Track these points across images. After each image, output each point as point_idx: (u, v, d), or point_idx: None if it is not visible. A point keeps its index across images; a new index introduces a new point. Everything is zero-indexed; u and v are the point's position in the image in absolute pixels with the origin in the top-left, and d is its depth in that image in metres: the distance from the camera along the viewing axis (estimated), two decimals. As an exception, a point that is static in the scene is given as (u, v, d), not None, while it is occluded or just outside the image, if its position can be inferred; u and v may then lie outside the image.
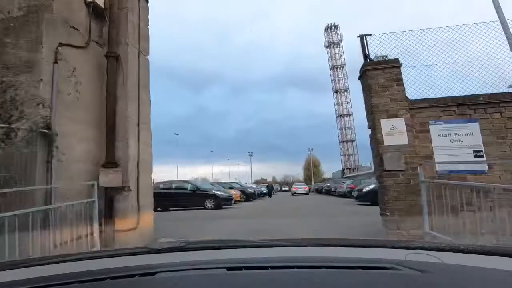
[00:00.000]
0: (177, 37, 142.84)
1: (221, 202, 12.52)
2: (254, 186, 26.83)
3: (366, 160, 79.12)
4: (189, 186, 12.58)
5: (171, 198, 12.14)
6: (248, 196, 19.52)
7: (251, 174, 64.88)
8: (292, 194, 31.40)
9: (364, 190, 11.71)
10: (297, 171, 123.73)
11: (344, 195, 21.16)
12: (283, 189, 48.88)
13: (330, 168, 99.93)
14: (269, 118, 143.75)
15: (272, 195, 25.65)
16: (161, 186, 12.86)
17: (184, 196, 12.18)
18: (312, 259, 0.85)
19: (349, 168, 79.20)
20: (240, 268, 0.74)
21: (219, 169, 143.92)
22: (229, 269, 0.73)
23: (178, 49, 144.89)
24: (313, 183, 58.72)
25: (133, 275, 0.71)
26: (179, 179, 17.58)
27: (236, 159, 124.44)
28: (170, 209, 12.02)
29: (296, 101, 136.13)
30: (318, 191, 33.50)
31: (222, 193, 12.81)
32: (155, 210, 5.87)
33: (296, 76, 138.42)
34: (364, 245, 1.09)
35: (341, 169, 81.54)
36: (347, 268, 0.75)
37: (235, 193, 17.45)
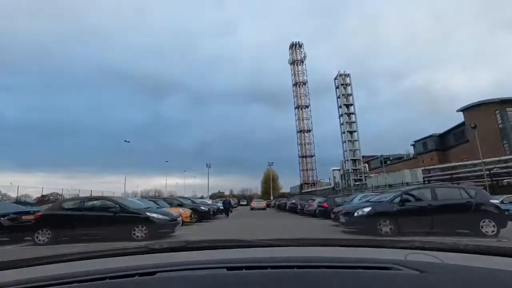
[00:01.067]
0: (140, 43, 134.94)
1: (159, 230, 8.44)
2: (209, 202, 22.45)
3: (324, 175, 79.47)
4: (109, 206, 8.30)
5: (81, 223, 7.86)
6: (201, 216, 15.55)
7: (208, 187, 60.26)
8: (251, 209, 33.07)
9: (357, 213, 8.59)
10: (255, 184, 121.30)
11: (314, 214, 18.21)
12: (241, 203, 44.69)
13: (287, 182, 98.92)
14: (230, 131, 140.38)
15: (230, 213, 21.59)
16: (66, 205, 8.43)
17: (102, 220, 7.93)
18: (312, 259, 0.83)
19: (308, 183, 78.34)
20: (240, 268, 0.73)
21: (174, 182, 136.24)
22: (229, 269, 0.73)
23: (140, 54, 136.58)
24: (271, 198, 55.84)
25: (133, 275, 0.70)
26: (103, 194, 13.05)
27: (194, 171, 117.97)
28: (82, 238, 7.86)
29: (258, 116, 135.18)
30: (281, 207, 30.20)
31: (159, 216, 8.69)
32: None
33: (259, 91, 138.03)
34: (364, 245, 1.08)
35: (300, 184, 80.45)
36: (347, 268, 0.74)
37: (184, 213, 13.41)
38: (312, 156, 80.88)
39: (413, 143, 53.53)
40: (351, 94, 51.28)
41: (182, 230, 10.93)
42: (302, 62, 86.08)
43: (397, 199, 8.45)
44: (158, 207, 10.95)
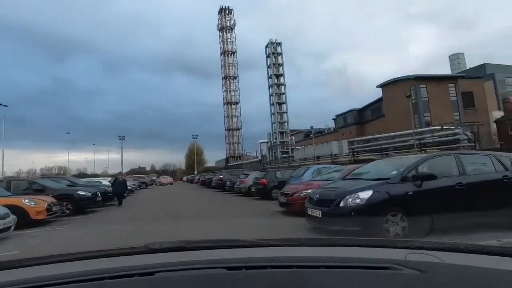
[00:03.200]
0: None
1: None
2: (104, 182, 15.58)
3: (250, 149, 77.54)
4: None
5: None
6: (80, 205, 9.71)
7: (122, 162, 51.03)
8: (160, 184, 34.75)
9: (349, 203, 4.52)
10: (179, 159, 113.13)
11: (247, 193, 14.20)
12: (163, 182, 36.97)
13: (213, 156, 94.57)
14: (152, 103, 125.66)
15: (128, 197, 14.64)
16: None
17: None
18: (312, 259, 0.82)
19: (234, 157, 75.35)
20: (240, 268, 0.72)
21: (83, 157, 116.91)
22: (229, 269, 0.72)
23: (33, 2, 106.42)
24: (195, 172, 50.65)
25: (132, 275, 0.69)
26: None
27: (109, 145, 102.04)
28: None
29: (183, 88, 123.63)
30: (206, 183, 25.50)
31: None
32: None
33: (185, 61, 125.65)
34: (364, 245, 1.06)
35: (226, 157, 76.93)
36: (347, 268, 0.72)
37: (37, 205, 7.54)
38: (238, 129, 77.57)
39: (335, 117, 54.83)
40: (281, 64, 48.31)
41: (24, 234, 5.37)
42: (232, 30, 79.54)
43: (410, 174, 4.71)
44: None
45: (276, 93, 47.33)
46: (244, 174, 15.77)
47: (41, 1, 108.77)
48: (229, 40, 79.78)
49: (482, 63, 52.22)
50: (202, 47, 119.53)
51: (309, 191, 7.21)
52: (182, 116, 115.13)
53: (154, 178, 42.33)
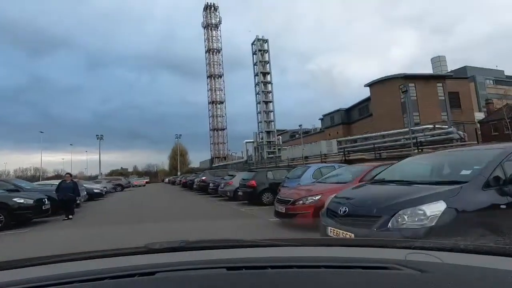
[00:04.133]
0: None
1: None
2: (43, 187, 11.14)
3: (236, 149, 75.33)
4: None
5: None
6: (17, 217, 7.43)
7: (100, 163, 47.32)
8: (132, 186, 33.00)
9: (410, 221, 2.63)
10: (162, 160, 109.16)
11: (233, 197, 12.23)
12: (135, 184, 34.96)
13: (197, 157, 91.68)
14: (134, 102, 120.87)
15: (90, 203, 12.66)
16: None
17: None
18: (312, 259, 0.81)
19: (219, 157, 72.98)
20: (240, 268, 0.71)
21: (60, 158, 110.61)
22: (229, 269, 0.71)
23: None
24: (179, 173, 47.98)
25: (133, 275, 0.69)
26: None
27: (88, 146, 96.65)
28: None
29: (167, 86, 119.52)
30: (187, 185, 23.27)
31: None
32: None
33: (169, 59, 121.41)
34: (364, 245, 1.06)
35: (210, 158, 74.41)
36: (347, 268, 0.72)
37: None
38: (224, 129, 75.27)
39: (322, 117, 53.75)
40: (268, 62, 46.58)
41: None
42: (217, 27, 77.29)
43: (492, 175, 2.96)
44: None
45: (262, 91, 45.56)
46: (230, 175, 13.74)
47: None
48: (214, 38, 77.44)
49: (462, 65, 52.73)
50: (187, 45, 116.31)
51: (317, 197, 5.35)
52: (166, 116, 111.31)
53: (134, 180, 41.52)
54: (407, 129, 28.23)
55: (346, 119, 48.36)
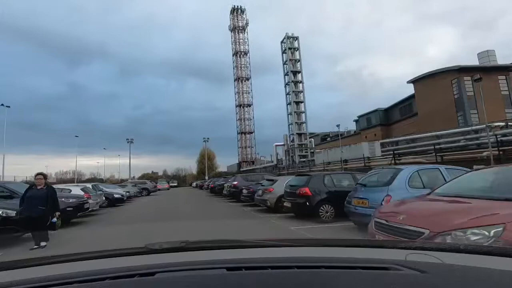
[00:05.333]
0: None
1: None
2: (76, 190, 10.03)
3: (264, 153, 72.67)
4: None
5: None
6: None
7: (130, 166, 47.32)
8: (158, 189, 32.84)
9: None
10: (190, 164, 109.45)
11: (274, 208, 9.56)
12: (159, 187, 34.40)
13: (224, 162, 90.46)
14: (164, 107, 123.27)
15: (102, 213, 10.28)
16: None
17: None
18: (312, 259, 0.81)
19: (246, 161, 70.87)
20: (240, 268, 0.71)
21: (95, 162, 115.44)
22: (229, 269, 0.70)
23: (49, 8, 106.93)
24: (206, 177, 46.23)
25: (133, 275, 0.68)
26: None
27: (122, 150, 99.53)
28: None
29: (194, 91, 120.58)
30: (215, 191, 20.95)
31: None
32: None
33: (196, 65, 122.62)
34: (364, 245, 1.05)
35: (238, 162, 72.51)
36: (347, 268, 0.72)
37: None
38: (251, 133, 73.17)
39: (357, 118, 49.56)
40: (299, 60, 43.68)
41: None
42: (244, 30, 75.97)
43: None
44: None
45: (293, 91, 42.66)
46: (269, 180, 11.01)
47: (55, 6, 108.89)
48: (241, 40, 76.10)
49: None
50: (214, 49, 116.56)
51: (498, 229, 2.47)
52: (194, 121, 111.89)
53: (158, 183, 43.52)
54: (468, 128, 23.96)
55: (385, 120, 43.93)
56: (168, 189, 38.54)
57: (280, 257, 0.83)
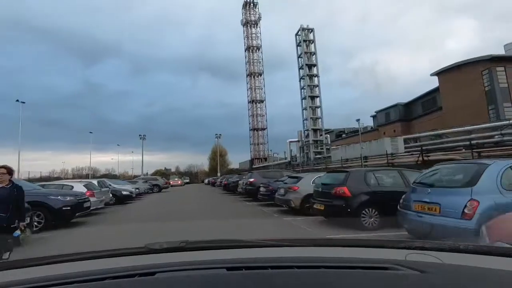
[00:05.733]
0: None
1: None
2: (77, 187, 8.93)
3: (275, 150, 71.27)
4: None
5: None
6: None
7: (142, 163, 47.06)
8: (171, 186, 32.77)
9: None
10: (202, 160, 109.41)
11: (299, 210, 8.25)
12: (172, 184, 34.40)
13: (236, 159, 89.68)
14: (176, 104, 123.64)
15: (107, 212, 9.26)
16: None
17: None
18: (312, 259, 0.80)
19: (258, 158, 69.72)
20: (240, 268, 0.71)
21: (110, 158, 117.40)
22: (229, 269, 0.70)
23: (66, 8, 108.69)
24: (218, 174, 45.27)
25: (133, 275, 0.68)
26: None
27: (135, 146, 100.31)
28: None
29: (207, 89, 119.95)
30: (229, 188, 19.76)
31: None
32: None
33: (208, 62, 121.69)
34: (364, 245, 1.04)
35: (250, 159, 71.47)
36: (347, 268, 0.71)
37: None
38: (264, 129, 71.89)
39: (374, 113, 47.40)
40: (314, 53, 41.89)
41: None
42: (256, 24, 74.48)
43: None
44: None
45: (308, 85, 40.97)
46: (292, 178, 9.67)
47: (70, 4, 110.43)
48: (253, 35, 74.62)
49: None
50: (225, 47, 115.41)
51: None
52: (205, 118, 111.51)
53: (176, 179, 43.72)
54: (505, 122, 21.83)
55: (405, 115, 41.67)
56: (182, 185, 38.06)
57: (280, 257, 0.83)
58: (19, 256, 3.38)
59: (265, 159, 66.83)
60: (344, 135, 56.80)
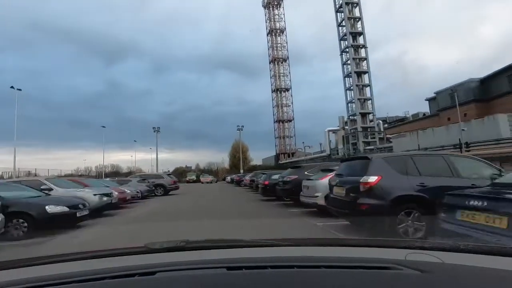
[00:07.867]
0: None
1: None
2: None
3: (301, 146, 62.80)
4: None
5: None
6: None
7: (157, 160, 41.11)
8: (202, 183, 33.95)
9: None
10: (222, 157, 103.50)
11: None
12: (202, 181, 35.27)
13: (257, 156, 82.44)
14: (196, 102, 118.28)
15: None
16: None
17: None
18: (312, 259, 0.80)
19: (285, 153, 61.62)
20: (240, 268, 0.70)
21: (130, 156, 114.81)
22: (229, 269, 0.70)
23: (86, 8, 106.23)
24: (242, 171, 37.80)
25: (133, 275, 0.68)
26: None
27: (159, 145, 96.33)
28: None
29: (225, 86, 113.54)
30: (270, 190, 11.98)
31: None
32: None
33: (226, 58, 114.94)
34: (364, 245, 1.04)
35: (275, 154, 63.54)
36: (347, 268, 0.71)
37: None
38: (290, 121, 63.62)
39: (434, 95, 37.77)
40: (359, 19, 33.26)
41: None
42: (279, 5, 66.18)
43: None
44: None
45: (353, 58, 32.37)
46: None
47: (94, 7, 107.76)
48: (276, 16, 66.33)
49: None
50: (244, 42, 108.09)
51: None
52: (225, 115, 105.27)
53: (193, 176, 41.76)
54: None
55: (481, 94, 32.15)
56: (211, 182, 36.83)
57: (280, 257, 0.83)
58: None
59: (293, 154, 58.63)
60: (393, 123, 47.38)
